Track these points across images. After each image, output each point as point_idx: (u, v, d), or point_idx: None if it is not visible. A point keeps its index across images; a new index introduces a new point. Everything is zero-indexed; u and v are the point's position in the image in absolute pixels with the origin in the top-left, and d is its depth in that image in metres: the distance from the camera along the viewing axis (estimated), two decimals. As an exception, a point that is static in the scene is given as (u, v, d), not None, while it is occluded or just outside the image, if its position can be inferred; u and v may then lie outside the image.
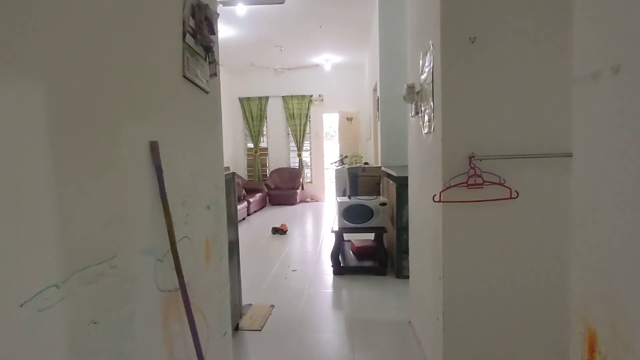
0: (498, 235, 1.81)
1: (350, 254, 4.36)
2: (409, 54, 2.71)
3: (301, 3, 5.18)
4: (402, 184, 3.68)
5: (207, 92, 1.78)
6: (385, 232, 3.87)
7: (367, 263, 4.03)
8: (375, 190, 4.41)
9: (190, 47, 1.57)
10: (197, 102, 1.69)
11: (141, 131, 1.23)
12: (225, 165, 7.63)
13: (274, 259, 4.60)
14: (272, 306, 3.14)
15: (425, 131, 2.11)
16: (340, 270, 3.92)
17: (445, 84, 1.78)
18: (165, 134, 1.37)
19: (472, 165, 1.76)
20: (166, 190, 1.31)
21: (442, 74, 1.78)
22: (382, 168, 4.46)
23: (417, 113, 2.37)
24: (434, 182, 1.92)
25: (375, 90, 6.07)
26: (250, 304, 3.17)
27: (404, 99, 2.50)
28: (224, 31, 6.20)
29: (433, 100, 1.92)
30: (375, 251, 4.15)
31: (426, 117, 2.09)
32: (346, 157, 8.68)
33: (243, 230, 6.39)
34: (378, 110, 5.08)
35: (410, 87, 2.45)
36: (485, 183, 1.76)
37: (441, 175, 1.80)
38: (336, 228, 3.92)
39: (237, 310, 2.85)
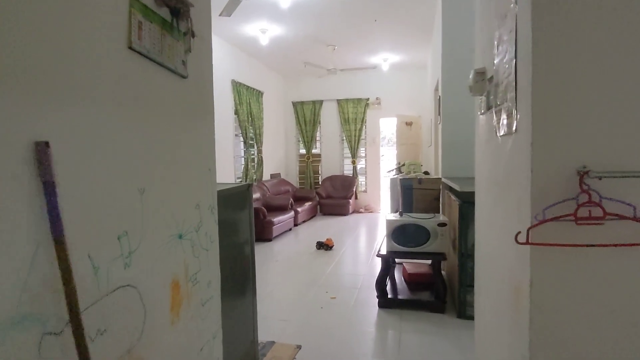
0: (627, 302, 1.10)
1: (401, 280, 3.69)
2: (477, 28, 2.03)
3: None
4: (467, 200, 2.96)
5: (183, 77, 1.28)
6: (445, 259, 3.15)
7: (421, 295, 3.33)
8: (433, 207, 3.70)
9: (146, 6, 1.08)
10: (163, 88, 1.19)
11: (17, 127, 0.74)
12: (276, 171, 7.20)
13: (313, 280, 4.05)
14: (299, 347, 2.58)
15: (502, 132, 1.44)
16: (387, 302, 3.27)
17: (538, 60, 1.11)
18: (80, 131, 0.88)
19: (585, 187, 1.07)
20: (83, 219, 0.82)
21: (533, 45, 1.11)
22: (443, 180, 3.74)
23: (488, 108, 1.69)
24: (518, 210, 1.24)
25: (436, 89, 5.32)
26: (273, 342, 2.64)
27: (470, 91, 1.84)
28: (272, 30, 5.83)
29: (516, 88, 1.25)
30: (431, 281, 3.44)
31: (503, 113, 1.42)
32: (403, 165, 7.94)
33: (287, 242, 5.94)
34: (439, 112, 4.36)
35: (480, 74, 1.78)
36: (608, 216, 1.06)
37: (529, 201, 1.13)
38: (384, 251, 3.27)
39: (253, 349, 2.33)
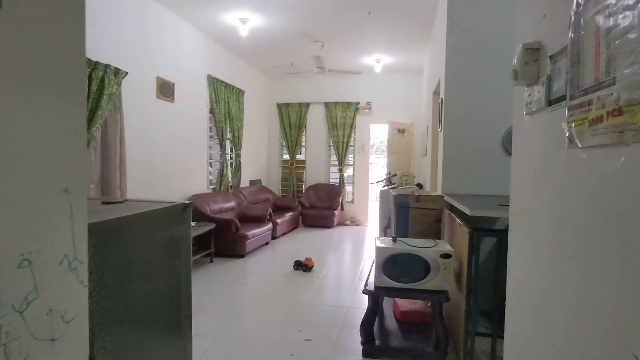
0: None
1: (391, 318, 3.04)
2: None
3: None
4: (479, 228, 2.33)
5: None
6: (447, 299, 2.51)
7: (417, 341, 2.69)
8: (433, 230, 3.08)
9: None
10: None
11: None
12: (257, 178, 6.47)
13: (286, 312, 3.37)
14: None
15: (584, 141, 0.80)
16: (373, 350, 2.61)
17: None
18: None
19: None
20: None
21: None
22: (445, 198, 3.12)
23: (548, 103, 1.07)
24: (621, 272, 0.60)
25: (436, 93, 4.72)
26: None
27: (513, 78, 1.21)
28: (252, 20, 5.17)
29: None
30: (429, 321, 2.80)
31: (594, 104, 0.79)
32: (394, 175, 7.34)
33: (261, 259, 5.25)
34: (441, 117, 3.75)
35: (532, 51, 1.16)
36: None
37: None
38: (372, 286, 2.62)
39: None
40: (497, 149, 3.49)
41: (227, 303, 3.63)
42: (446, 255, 2.52)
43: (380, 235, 5.85)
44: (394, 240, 2.73)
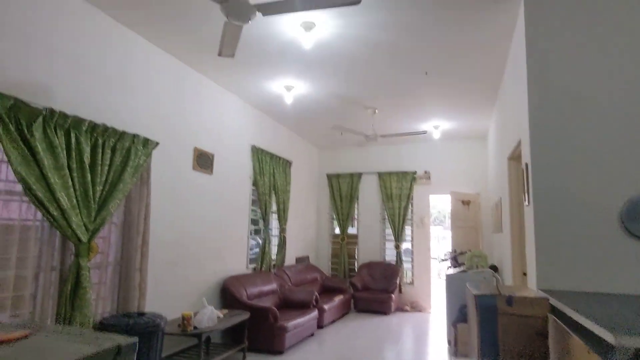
0: None
1: None
2: None
3: (396, 44, 3.56)
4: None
5: None
6: None
7: None
8: (535, 347, 2.13)
9: None
10: None
11: None
12: (304, 254, 5.66)
13: None
14: None
15: None
16: None
17: None
18: None
19: None
20: None
21: None
22: (551, 301, 2.19)
23: None
24: None
25: (514, 159, 3.91)
26: None
27: None
28: (298, 87, 4.85)
29: None
30: None
31: None
32: (461, 253, 6.30)
33: (302, 356, 4.34)
34: (527, 187, 2.92)
35: None
36: None
37: None
38: None
39: None
40: (612, 228, 2.55)
41: None
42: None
43: (450, 335, 4.75)
44: (482, 368, 1.83)
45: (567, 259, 2.58)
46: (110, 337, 0.99)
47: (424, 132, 5.66)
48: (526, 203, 3.00)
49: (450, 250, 6.81)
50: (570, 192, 2.65)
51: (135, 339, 1.02)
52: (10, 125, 2.47)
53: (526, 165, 2.93)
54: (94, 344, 0.95)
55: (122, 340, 0.99)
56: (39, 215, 2.75)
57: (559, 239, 2.62)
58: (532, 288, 2.75)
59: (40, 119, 2.62)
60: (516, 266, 3.82)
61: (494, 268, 5.22)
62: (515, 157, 3.83)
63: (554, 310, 2.19)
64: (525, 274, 3.69)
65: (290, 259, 6.76)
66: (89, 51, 3.11)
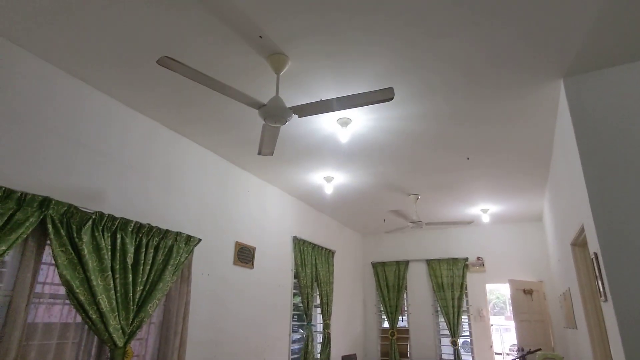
0: None
1: None
2: None
3: (433, 132, 3.56)
4: None
5: None
6: None
7: None
8: None
9: None
10: None
11: None
12: (351, 352, 5.05)
13: None
14: None
15: None
16: None
17: None
18: None
19: None
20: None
21: None
22: None
23: None
24: None
25: (578, 245, 3.53)
26: None
27: None
28: (337, 178, 4.89)
29: None
30: None
31: None
32: (530, 352, 5.53)
33: None
34: (601, 280, 2.55)
35: None
36: None
37: None
38: None
39: None
40: None
41: None
42: None
43: None
44: None
45: (669, 371, 2.12)
46: None
47: (471, 222, 5.38)
48: (603, 299, 2.60)
49: (517, 347, 6.00)
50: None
51: None
52: (62, 230, 2.57)
53: (595, 254, 2.60)
54: None
55: None
56: (78, 318, 2.73)
57: (653, 345, 2.18)
58: (629, 409, 2.24)
59: (89, 223, 2.73)
60: (602, 374, 3.21)
61: (574, 373, 4.46)
62: (579, 243, 3.46)
63: None
64: (615, 385, 3.08)
65: (335, 358, 6.22)
66: (135, 154, 3.33)
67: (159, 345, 3.33)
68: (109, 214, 2.88)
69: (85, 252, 2.66)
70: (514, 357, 5.60)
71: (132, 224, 3.04)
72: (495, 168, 4.54)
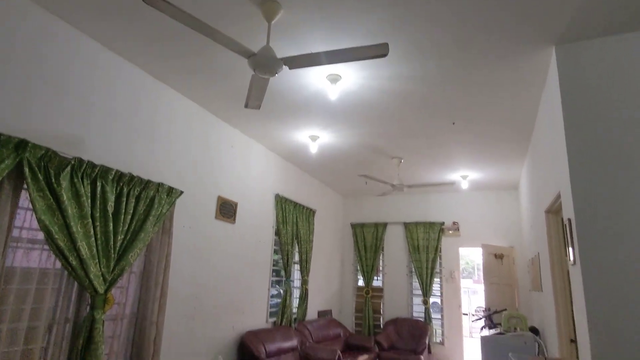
0: None
1: None
2: None
3: (422, 94, 3.53)
4: None
5: None
6: None
7: None
8: None
9: None
10: None
11: None
12: (326, 308, 5.36)
13: None
14: None
15: None
16: None
17: None
18: None
19: None
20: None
21: None
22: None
23: None
24: None
25: (552, 212, 3.67)
26: None
27: None
28: (323, 137, 4.85)
29: None
30: None
31: None
32: (496, 312, 5.87)
33: None
34: (572, 245, 2.68)
35: None
36: None
37: None
38: None
39: None
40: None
41: None
42: None
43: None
44: None
45: (627, 327, 2.28)
46: None
47: (452, 184, 5.49)
48: (571, 262, 2.74)
49: (484, 308, 6.35)
50: (623, 250, 2.40)
51: None
52: (39, 175, 2.49)
53: (569, 220, 2.71)
54: None
55: None
56: (58, 264, 2.70)
57: (614, 305, 2.33)
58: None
59: (68, 169, 2.65)
60: (562, 331, 3.45)
61: (535, 331, 4.78)
62: (553, 210, 3.59)
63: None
64: (573, 341, 3.33)
65: (312, 313, 6.46)
66: (119, 103, 3.21)
67: (140, 295, 3.36)
68: (88, 161, 2.79)
69: (65, 198, 2.60)
70: (482, 316, 5.94)
71: (113, 173, 2.97)
72: (479, 135, 4.59)
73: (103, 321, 2.81)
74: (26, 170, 2.43)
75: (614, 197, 2.47)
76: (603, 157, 2.56)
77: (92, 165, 2.82)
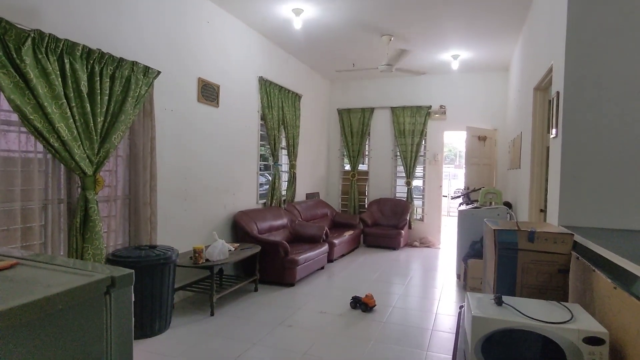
0: None
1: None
2: None
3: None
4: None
5: None
6: (599, 417, 1.51)
7: None
8: (554, 285, 2.06)
9: None
10: None
11: None
12: (314, 191, 5.67)
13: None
14: None
15: None
16: None
17: None
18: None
19: None
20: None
21: None
22: (576, 238, 2.08)
23: None
24: None
25: (541, 89, 3.63)
26: None
27: None
28: (307, 11, 4.45)
29: None
30: None
31: None
32: (474, 190, 6.20)
33: (313, 289, 4.45)
34: (556, 118, 2.70)
35: None
36: None
37: None
38: (464, 377, 1.69)
39: None
40: (644, 164, 2.37)
41: (262, 356, 2.88)
42: (596, 340, 1.53)
43: (460, 270, 4.79)
44: (499, 302, 1.78)
45: (592, 194, 2.44)
46: (104, 269, 0.91)
47: (423, 73, 5.26)
48: (553, 135, 2.80)
49: (463, 187, 6.71)
50: (602, 124, 2.44)
51: (131, 271, 0.94)
52: (-3, 49, 2.28)
53: (557, 93, 2.68)
54: (85, 276, 0.86)
55: (116, 271, 0.90)
56: (40, 147, 2.65)
57: (585, 173, 2.46)
58: (552, 224, 2.64)
59: (29, 42, 2.42)
60: (533, 203, 3.70)
61: (508, 205, 5.13)
62: (542, 87, 3.55)
63: (575, 247, 2.09)
64: (542, 211, 3.59)
65: (300, 196, 6.75)
66: (76, -35, 2.80)
67: (129, 177, 3.40)
68: (50, 34, 2.54)
69: (32, 75, 2.42)
70: (461, 194, 6.30)
71: (80, 48, 2.73)
72: (473, 4, 4.27)
73: (96, 201, 2.87)
74: (-18, 43, 2.21)
75: (604, 72, 2.42)
76: (600, 26, 2.42)
77: (55, 40, 2.57)
